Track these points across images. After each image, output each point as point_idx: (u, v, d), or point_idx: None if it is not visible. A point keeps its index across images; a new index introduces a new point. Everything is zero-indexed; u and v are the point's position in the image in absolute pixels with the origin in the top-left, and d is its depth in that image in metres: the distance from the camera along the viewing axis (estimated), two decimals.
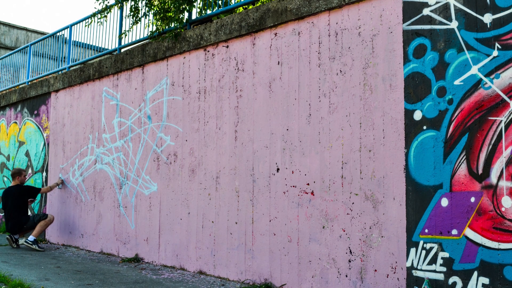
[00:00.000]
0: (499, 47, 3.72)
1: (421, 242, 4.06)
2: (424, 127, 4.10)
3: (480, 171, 3.77)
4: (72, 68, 9.00)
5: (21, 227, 8.09)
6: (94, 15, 7.95)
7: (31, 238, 7.83)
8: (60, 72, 9.35)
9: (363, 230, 4.46)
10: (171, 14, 6.62)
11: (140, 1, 7.29)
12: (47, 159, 9.17)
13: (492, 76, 3.75)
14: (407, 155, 4.21)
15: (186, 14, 6.66)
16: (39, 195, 9.05)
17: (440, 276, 3.92)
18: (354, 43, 4.67)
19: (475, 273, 3.72)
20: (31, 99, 9.96)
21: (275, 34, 5.37)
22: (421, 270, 4.05)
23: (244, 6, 6.48)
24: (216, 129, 5.92)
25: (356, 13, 4.67)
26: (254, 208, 5.40)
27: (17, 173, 8.40)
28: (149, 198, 6.80)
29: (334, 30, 4.84)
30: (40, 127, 9.57)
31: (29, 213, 9.17)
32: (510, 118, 3.65)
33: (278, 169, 5.20)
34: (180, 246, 6.26)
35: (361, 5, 4.63)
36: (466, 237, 3.80)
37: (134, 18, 7.24)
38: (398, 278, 4.18)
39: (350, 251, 4.53)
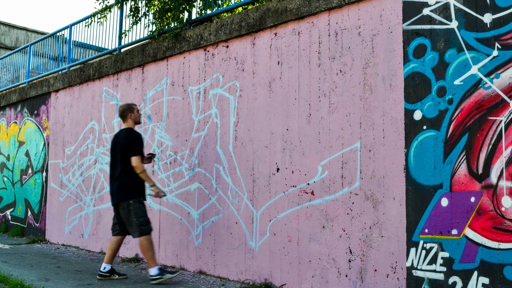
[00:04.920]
0: (499, 47, 3.72)
1: (421, 242, 4.06)
2: (424, 127, 4.10)
3: (480, 171, 3.77)
4: (72, 68, 9.00)
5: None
6: (94, 15, 7.96)
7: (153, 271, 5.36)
8: (60, 72, 9.35)
9: (363, 230, 4.46)
10: (171, 14, 6.63)
11: (140, 1, 7.29)
12: (47, 159, 9.17)
13: (492, 76, 3.75)
14: (407, 155, 4.20)
15: (186, 14, 6.66)
16: None
17: (440, 276, 3.92)
18: (354, 43, 4.67)
19: (475, 273, 3.72)
20: (31, 99, 9.96)
21: (275, 34, 5.37)
22: (421, 270, 4.05)
23: (244, 6, 6.48)
24: (216, 129, 5.92)
25: (356, 13, 4.67)
26: (254, 208, 5.40)
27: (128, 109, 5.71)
28: (149, 197, 6.80)
29: (334, 30, 4.84)
30: (40, 127, 9.57)
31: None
32: (510, 118, 3.65)
33: (278, 169, 5.20)
34: (180, 246, 6.26)
35: (361, 5, 4.63)
36: (466, 237, 3.80)
37: (134, 18, 7.24)
38: (398, 278, 4.18)
39: (350, 251, 4.53)
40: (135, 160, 5.40)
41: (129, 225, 5.46)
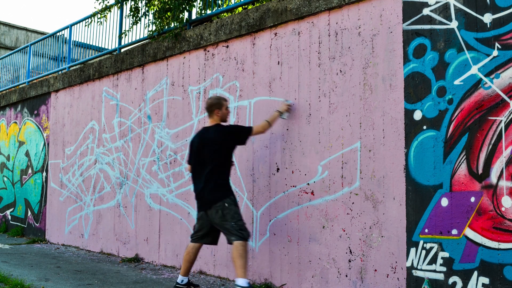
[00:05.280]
0: (499, 47, 3.72)
1: (421, 242, 4.06)
2: (424, 127, 4.10)
3: (480, 171, 3.77)
4: (72, 68, 9.00)
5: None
6: (94, 15, 7.96)
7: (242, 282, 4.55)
8: (60, 72, 9.35)
9: (363, 230, 4.46)
10: (170, 13, 6.63)
11: (140, 1, 7.29)
12: (47, 159, 9.17)
13: (492, 76, 3.75)
14: (407, 155, 4.20)
15: (186, 14, 6.66)
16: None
17: (440, 276, 3.92)
18: (354, 43, 4.67)
19: (475, 273, 3.72)
20: (31, 99, 9.96)
21: (275, 34, 5.37)
22: (421, 270, 4.05)
23: (244, 6, 6.48)
24: None
25: (356, 13, 4.67)
26: (254, 208, 5.40)
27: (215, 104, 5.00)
28: (149, 198, 6.80)
29: (334, 30, 4.84)
30: (40, 127, 9.57)
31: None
32: (510, 118, 3.65)
33: (278, 169, 5.20)
34: (180, 246, 6.26)
35: (361, 5, 4.63)
36: (466, 237, 3.80)
37: (134, 18, 7.25)
38: (398, 278, 4.18)
39: (350, 251, 4.53)
40: (258, 128, 4.97)
41: (223, 229, 4.78)
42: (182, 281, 4.94)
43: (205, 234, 4.91)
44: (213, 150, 4.82)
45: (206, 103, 5.03)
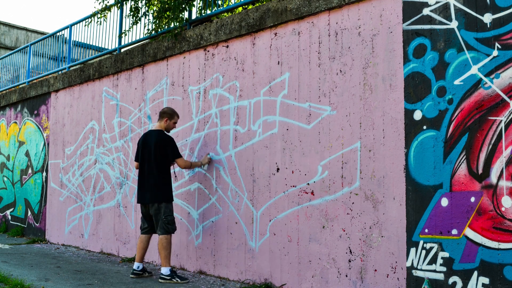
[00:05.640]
0: (499, 47, 3.72)
1: (421, 242, 4.06)
2: (424, 127, 4.10)
3: (480, 171, 3.77)
4: (72, 68, 9.00)
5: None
6: (94, 15, 7.95)
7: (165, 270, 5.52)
8: (60, 72, 9.35)
9: (363, 230, 4.46)
10: (170, 13, 6.62)
11: (140, 1, 7.29)
12: (47, 159, 9.17)
13: (492, 76, 3.75)
14: (407, 155, 4.20)
15: (186, 14, 6.66)
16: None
17: (440, 276, 3.92)
18: (354, 43, 4.67)
19: (475, 273, 3.72)
20: (31, 99, 9.96)
21: (275, 34, 5.37)
22: (421, 270, 4.05)
23: (244, 6, 6.48)
24: (216, 129, 5.92)
25: (356, 13, 4.67)
26: (254, 208, 5.40)
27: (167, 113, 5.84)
28: None
29: (334, 30, 4.84)
30: (40, 127, 9.57)
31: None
32: (510, 118, 3.65)
33: (278, 169, 5.20)
34: (180, 246, 6.26)
35: (361, 5, 4.63)
36: (466, 237, 3.80)
37: (134, 18, 7.24)
38: (398, 278, 4.18)
39: (350, 251, 4.53)
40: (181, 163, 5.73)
41: (156, 221, 5.66)
42: (138, 267, 5.73)
43: (151, 227, 5.77)
44: (153, 151, 5.61)
45: (162, 109, 5.85)
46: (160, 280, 5.46)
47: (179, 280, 5.40)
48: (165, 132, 5.78)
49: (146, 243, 5.78)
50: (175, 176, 6.33)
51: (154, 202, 5.58)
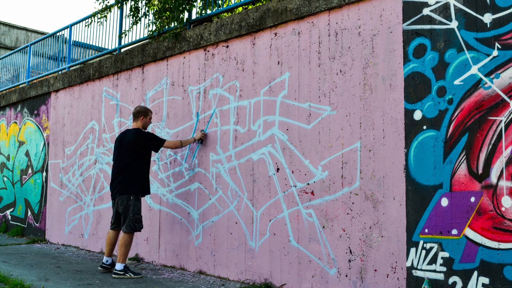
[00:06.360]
0: (499, 47, 3.72)
1: (421, 242, 4.06)
2: (424, 127, 4.10)
3: (480, 171, 3.77)
4: (72, 68, 9.00)
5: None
6: (94, 15, 7.95)
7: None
8: (60, 72, 9.35)
9: (363, 230, 4.46)
10: (170, 13, 6.62)
11: (140, 1, 7.29)
12: (47, 159, 9.17)
13: (492, 76, 3.75)
14: (407, 155, 4.20)
15: (186, 14, 6.66)
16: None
17: (440, 276, 3.92)
18: (354, 43, 4.67)
19: (475, 273, 3.72)
20: (31, 99, 9.96)
21: (275, 34, 5.37)
22: (421, 270, 4.05)
23: (244, 6, 6.48)
24: (215, 129, 5.92)
25: (356, 13, 4.67)
26: (254, 208, 5.40)
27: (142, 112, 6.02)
28: (149, 197, 6.80)
29: (334, 30, 4.84)
30: (40, 127, 9.57)
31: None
32: (510, 118, 3.65)
33: (278, 169, 5.20)
34: (180, 246, 6.26)
35: (361, 5, 4.63)
36: (466, 237, 3.80)
37: (134, 18, 7.24)
38: (398, 278, 4.18)
39: (350, 251, 4.53)
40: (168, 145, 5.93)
41: (123, 217, 5.82)
42: (107, 261, 5.98)
43: (118, 223, 5.94)
44: (128, 149, 5.76)
45: (135, 109, 6.00)
46: (113, 275, 5.65)
47: (132, 275, 5.61)
48: (142, 129, 5.96)
49: (114, 239, 5.99)
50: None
51: (122, 194, 5.72)
